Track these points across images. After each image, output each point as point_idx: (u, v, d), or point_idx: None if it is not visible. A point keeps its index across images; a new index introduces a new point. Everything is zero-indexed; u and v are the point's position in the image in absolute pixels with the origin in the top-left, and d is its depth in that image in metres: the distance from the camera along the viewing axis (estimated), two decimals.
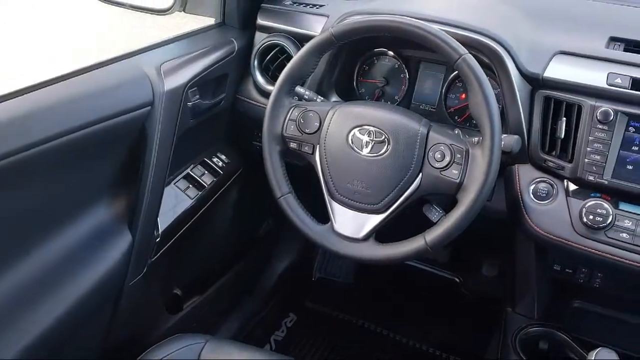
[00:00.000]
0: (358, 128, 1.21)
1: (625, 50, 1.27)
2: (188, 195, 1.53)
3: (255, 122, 1.43)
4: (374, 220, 1.20)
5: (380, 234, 1.22)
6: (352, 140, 1.21)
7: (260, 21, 1.57)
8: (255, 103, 1.57)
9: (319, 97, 1.34)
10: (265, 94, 1.52)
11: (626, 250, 1.16)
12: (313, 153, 1.26)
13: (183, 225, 1.53)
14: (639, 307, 1.42)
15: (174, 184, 1.51)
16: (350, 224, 1.22)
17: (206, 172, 1.59)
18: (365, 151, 1.20)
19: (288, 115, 1.28)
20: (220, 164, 1.63)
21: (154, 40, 1.41)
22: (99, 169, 1.25)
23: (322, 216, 1.26)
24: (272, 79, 1.55)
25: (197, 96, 1.42)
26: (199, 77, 1.41)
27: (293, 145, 1.28)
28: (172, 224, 1.48)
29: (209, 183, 1.58)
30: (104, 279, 1.26)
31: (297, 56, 1.27)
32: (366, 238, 1.20)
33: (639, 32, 1.30)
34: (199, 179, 1.56)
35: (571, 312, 1.49)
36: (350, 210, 1.22)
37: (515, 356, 1.43)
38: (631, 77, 1.16)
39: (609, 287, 1.32)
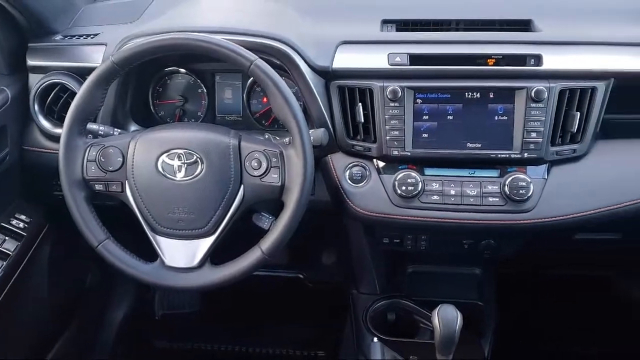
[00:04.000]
0: (166, 154, 1.16)
1: (397, 30, 1.38)
2: None
3: (50, 171, 1.30)
4: (205, 244, 1.16)
5: (216, 256, 1.18)
6: (162, 167, 1.16)
7: (31, 62, 1.42)
8: (45, 151, 1.42)
9: (116, 129, 1.26)
10: (55, 139, 1.39)
11: (439, 210, 1.26)
12: (123, 191, 1.18)
13: None
14: (463, 259, 1.56)
15: None
16: (182, 254, 1.17)
17: (7, 238, 1.42)
18: (179, 176, 1.15)
19: (85, 156, 1.18)
20: (21, 225, 1.46)
21: None
22: None
23: (152, 251, 1.19)
24: (59, 121, 1.41)
25: None
26: None
27: (99, 187, 1.19)
28: None
29: (13, 249, 1.41)
30: None
31: (81, 92, 1.17)
32: (201, 264, 1.16)
33: (404, 12, 1.42)
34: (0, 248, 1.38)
35: (408, 278, 1.59)
36: (178, 240, 1.17)
37: (368, 334, 1.49)
38: (408, 53, 1.26)
39: (433, 247, 1.44)
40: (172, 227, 1.17)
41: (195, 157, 1.15)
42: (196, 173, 1.15)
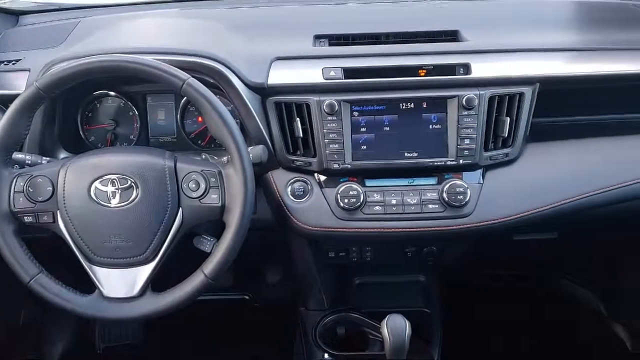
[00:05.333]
0: (98, 180, 1.12)
1: (330, 44, 1.39)
2: None
3: None
4: (145, 271, 1.13)
5: (158, 283, 1.15)
6: (95, 194, 1.11)
7: None
8: None
9: (44, 158, 1.21)
10: None
11: (381, 221, 1.27)
12: (55, 221, 1.13)
13: None
14: (407, 267, 1.58)
15: None
16: (121, 283, 1.12)
17: None
18: (114, 202, 1.11)
19: (12, 188, 1.12)
20: None
21: None
22: None
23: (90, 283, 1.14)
24: None
25: None
26: None
27: (28, 219, 1.13)
28: None
29: None
30: None
31: (3, 120, 1.12)
32: (142, 293, 1.13)
33: (336, 26, 1.44)
34: None
35: (356, 291, 1.59)
36: (116, 270, 1.13)
37: (319, 351, 1.48)
38: (342, 67, 1.27)
39: (378, 257, 1.44)
40: (109, 256, 1.12)
41: (129, 182, 1.12)
42: (131, 198, 1.12)
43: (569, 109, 1.39)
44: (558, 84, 1.30)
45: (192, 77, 1.12)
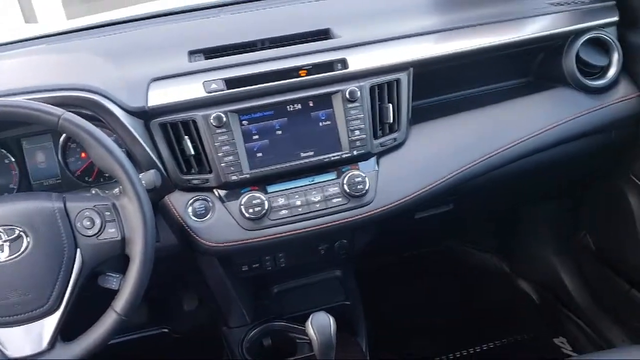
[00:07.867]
0: None
1: (206, 58, 1.37)
2: None
3: None
4: (51, 322, 1.05)
5: (69, 331, 1.08)
6: None
7: None
8: None
9: None
10: None
11: (289, 224, 1.28)
12: None
13: None
14: (322, 265, 1.60)
15: None
16: (26, 341, 1.04)
17: None
18: (4, 256, 1.03)
19: None
20: None
21: None
22: None
23: None
24: None
25: None
26: None
27: None
28: None
29: None
30: None
31: None
32: (52, 346, 1.05)
33: (210, 40, 1.42)
34: None
35: (276, 299, 1.59)
36: (18, 327, 1.04)
37: None
38: (223, 79, 1.26)
39: (292, 260, 1.45)
40: (8, 314, 1.03)
41: (17, 232, 1.04)
42: (23, 248, 1.04)
43: (444, 87, 1.48)
44: (429, 65, 1.37)
45: (68, 111, 1.06)
